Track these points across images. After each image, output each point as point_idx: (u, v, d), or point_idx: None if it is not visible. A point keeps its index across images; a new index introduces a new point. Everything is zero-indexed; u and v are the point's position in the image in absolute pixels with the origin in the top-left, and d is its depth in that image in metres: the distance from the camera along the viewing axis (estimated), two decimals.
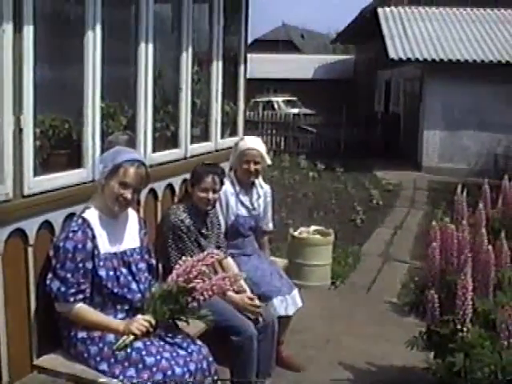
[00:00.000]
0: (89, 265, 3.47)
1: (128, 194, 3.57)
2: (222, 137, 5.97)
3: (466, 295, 3.75)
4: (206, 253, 3.62)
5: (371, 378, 5.13)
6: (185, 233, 4.41)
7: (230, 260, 4.74)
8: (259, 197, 5.19)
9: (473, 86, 18.25)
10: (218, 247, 4.57)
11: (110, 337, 3.44)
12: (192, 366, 3.42)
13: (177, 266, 3.57)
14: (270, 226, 5.45)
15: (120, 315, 3.57)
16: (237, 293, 4.23)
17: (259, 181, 5.23)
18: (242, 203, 5.03)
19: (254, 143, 5.05)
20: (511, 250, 4.39)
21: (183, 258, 3.64)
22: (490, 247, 4.13)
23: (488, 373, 3.47)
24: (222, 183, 4.60)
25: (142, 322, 3.44)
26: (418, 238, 10.14)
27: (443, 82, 18.65)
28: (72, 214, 3.73)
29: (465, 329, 3.77)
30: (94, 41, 4.00)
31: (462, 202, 4.82)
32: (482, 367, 3.50)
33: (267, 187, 5.35)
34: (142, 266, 3.74)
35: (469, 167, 18.68)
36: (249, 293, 4.50)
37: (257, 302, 4.43)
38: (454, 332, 3.85)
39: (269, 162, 5.19)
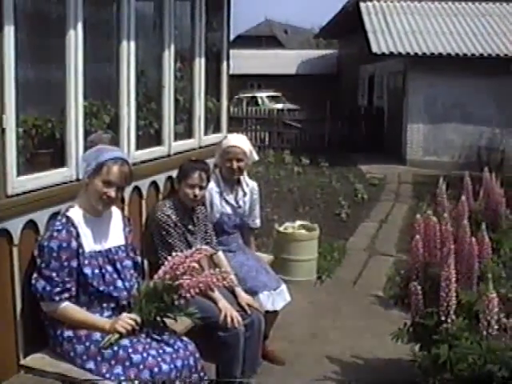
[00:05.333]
0: (74, 263, 3.46)
1: (112, 193, 3.58)
2: (206, 133, 5.98)
3: (450, 287, 3.79)
4: (193, 249, 3.63)
5: (358, 372, 5.15)
6: (172, 227, 4.42)
7: (220, 254, 4.76)
8: (245, 194, 5.19)
9: (455, 79, 18.33)
10: (207, 243, 4.58)
11: (97, 335, 3.45)
12: (179, 363, 3.43)
13: (165, 263, 3.58)
14: (257, 222, 5.44)
15: (106, 313, 3.58)
16: (227, 288, 4.24)
17: (245, 178, 5.23)
18: (227, 201, 5.04)
19: (237, 141, 5.05)
20: (492, 242, 4.44)
21: (173, 253, 3.65)
22: (473, 239, 4.17)
23: (470, 363, 3.50)
24: (208, 180, 4.61)
25: (127, 320, 3.45)
26: (403, 232, 10.18)
27: (426, 76, 18.72)
28: (56, 214, 3.72)
29: (449, 320, 3.81)
30: (75, 39, 4.00)
31: (443, 194, 4.87)
32: (465, 358, 3.54)
33: (254, 184, 5.34)
34: (128, 263, 3.75)
35: (453, 160, 18.76)
36: (240, 289, 4.53)
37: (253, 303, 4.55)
38: (438, 324, 3.88)
39: (256, 157, 5.20)
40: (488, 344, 3.52)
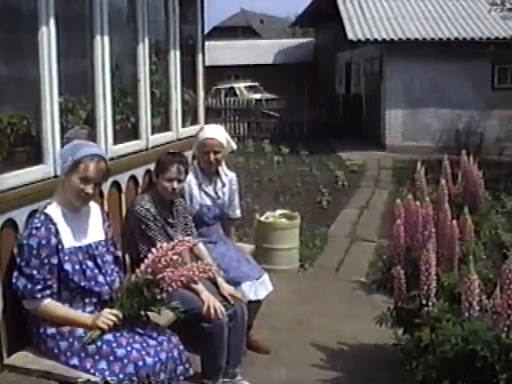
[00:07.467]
0: (54, 260, 3.46)
1: (90, 189, 3.57)
2: (183, 126, 5.96)
3: (430, 270, 3.82)
4: (176, 241, 3.63)
5: (343, 358, 5.18)
6: (151, 221, 4.41)
7: (201, 246, 4.74)
8: (224, 185, 5.19)
9: (432, 63, 18.42)
10: (188, 235, 4.57)
11: (80, 331, 3.45)
12: (163, 356, 3.44)
13: (148, 256, 3.57)
14: (237, 213, 5.44)
15: (88, 309, 3.57)
16: (209, 279, 4.24)
17: (223, 168, 5.23)
18: (206, 192, 5.03)
19: (213, 132, 5.04)
20: (472, 223, 4.48)
21: (157, 245, 3.64)
22: (454, 221, 4.20)
23: (452, 345, 3.54)
24: (186, 173, 4.59)
25: (108, 315, 3.45)
26: (385, 217, 10.23)
27: (402, 61, 18.80)
28: (35, 211, 3.71)
29: (430, 303, 3.84)
30: (48, 35, 3.97)
31: (421, 178, 4.89)
32: (448, 339, 3.57)
33: (232, 175, 5.34)
34: (108, 258, 3.74)
35: (432, 144, 18.86)
36: (222, 280, 4.54)
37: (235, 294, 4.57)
38: (420, 307, 3.91)
39: (234, 146, 5.20)
40: (470, 325, 3.56)
